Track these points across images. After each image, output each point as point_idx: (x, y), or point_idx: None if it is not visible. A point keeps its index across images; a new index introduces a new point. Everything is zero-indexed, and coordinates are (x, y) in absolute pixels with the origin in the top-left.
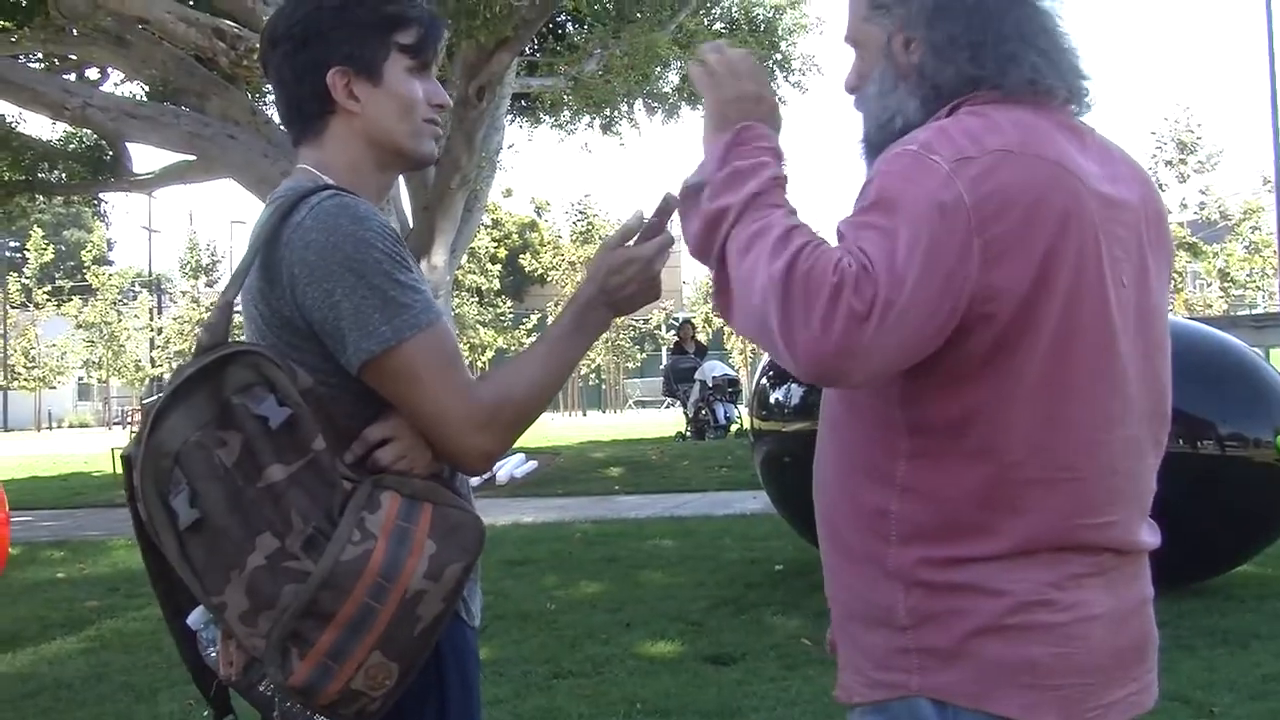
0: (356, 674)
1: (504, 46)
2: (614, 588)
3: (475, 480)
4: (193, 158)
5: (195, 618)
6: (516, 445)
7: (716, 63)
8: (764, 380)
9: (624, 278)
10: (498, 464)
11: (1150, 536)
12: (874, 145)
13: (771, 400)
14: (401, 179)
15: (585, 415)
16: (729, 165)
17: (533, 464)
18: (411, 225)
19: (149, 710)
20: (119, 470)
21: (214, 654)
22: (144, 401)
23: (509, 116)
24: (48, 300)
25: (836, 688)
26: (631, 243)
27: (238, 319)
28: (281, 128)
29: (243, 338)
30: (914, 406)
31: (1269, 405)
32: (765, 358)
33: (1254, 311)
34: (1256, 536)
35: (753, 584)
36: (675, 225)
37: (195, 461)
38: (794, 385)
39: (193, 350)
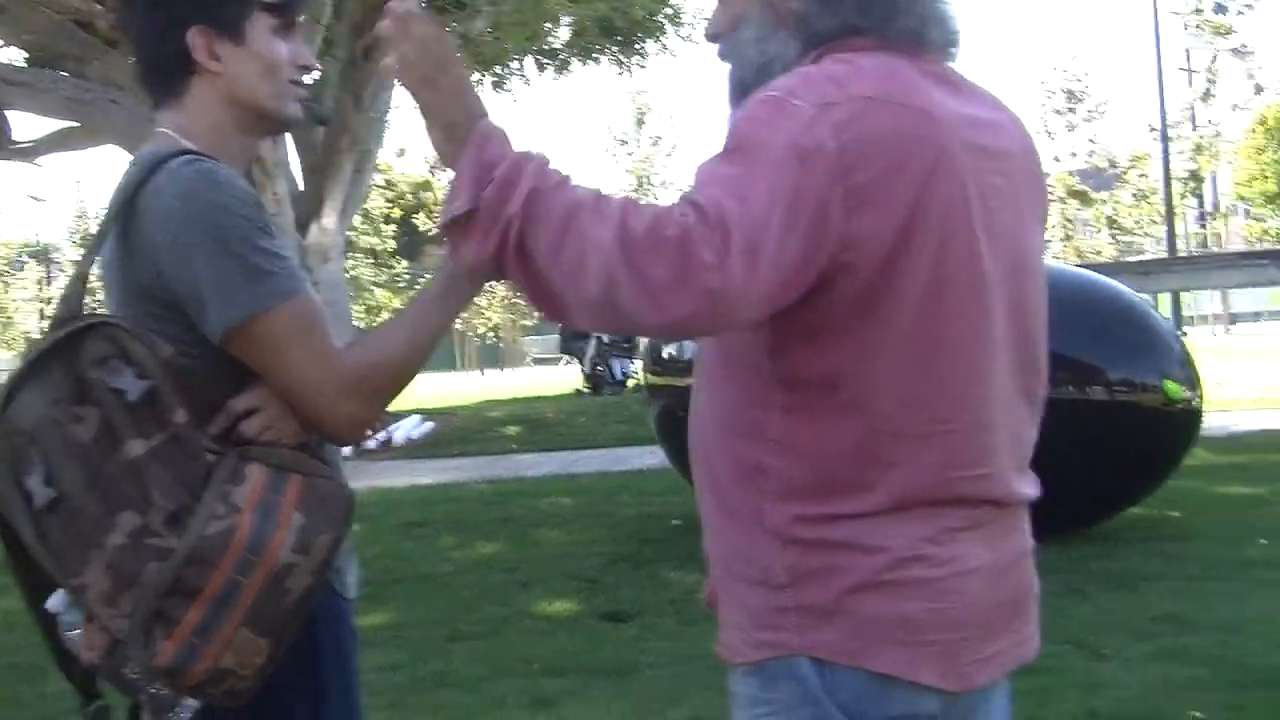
0: (225, 652)
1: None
2: (511, 547)
3: (371, 443)
4: (76, 124)
5: (55, 601)
6: (413, 406)
7: (412, 51)
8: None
9: None
10: (393, 425)
11: (1029, 488)
12: (748, 89)
13: (665, 355)
14: (290, 140)
15: (484, 374)
16: (491, 177)
17: (429, 425)
18: (301, 187)
19: (34, 690)
20: None
21: (76, 638)
22: None
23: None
24: None
25: (719, 645)
26: None
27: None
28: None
29: (103, 309)
30: (784, 360)
31: (1156, 351)
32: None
33: (1141, 258)
34: (1145, 480)
35: (649, 539)
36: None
37: (50, 439)
38: (687, 341)
39: (49, 324)
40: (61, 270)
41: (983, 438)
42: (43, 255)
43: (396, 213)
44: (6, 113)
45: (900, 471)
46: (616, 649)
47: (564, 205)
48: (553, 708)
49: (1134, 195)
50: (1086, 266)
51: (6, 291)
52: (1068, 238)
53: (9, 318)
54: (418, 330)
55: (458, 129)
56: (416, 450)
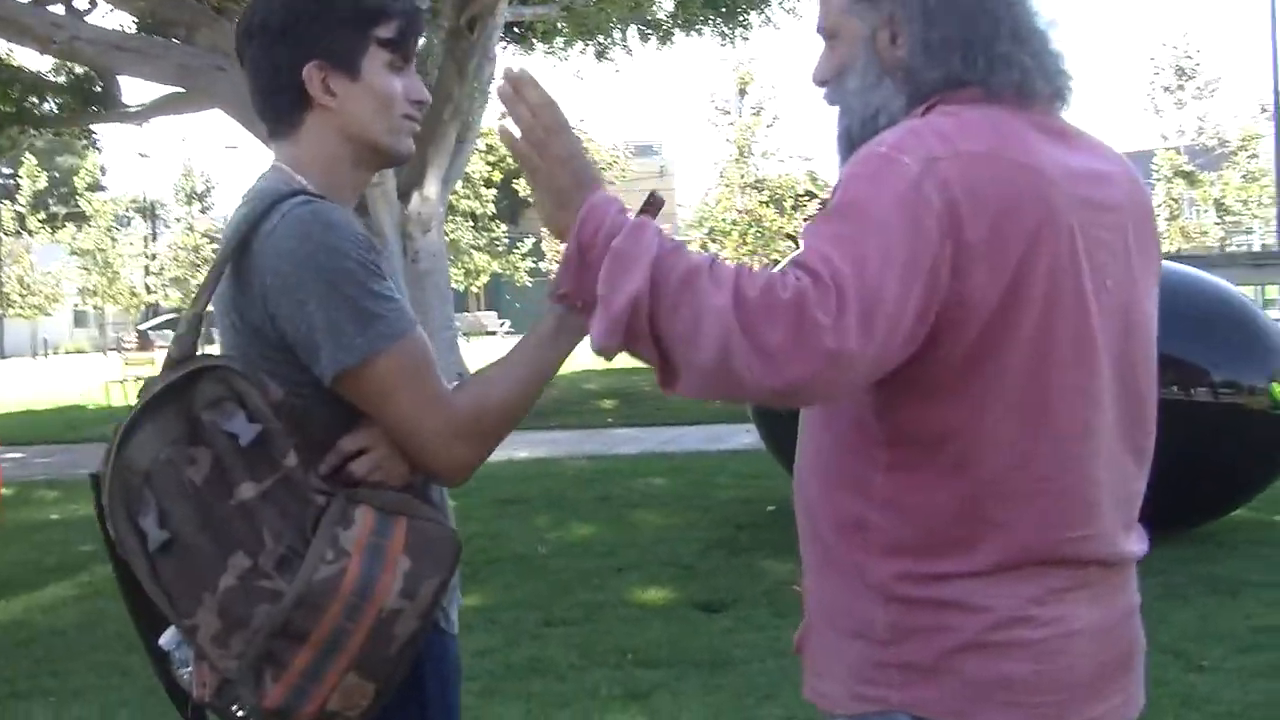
0: (332, 695)
1: None
2: (607, 529)
3: None
4: (183, 90)
5: (168, 639)
6: None
7: (526, 116)
8: None
9: None
10: None
11: (1137, 545)
12: (856, 142)
13: None
14: None
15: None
16: (609, 251)
17: None
18: None
19: (142, 660)
20: (113, 402)
21: (187, 675)
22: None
23: (502, 44)
24: (42, 227)
25: (812, 692)
26: None
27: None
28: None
29: (217, 345)
30: (889, 418)
31: (1264, 352)
32: None
33: (1252, 249)
34: (1250, 483)
35: (745, 525)
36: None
37: (165, 480)
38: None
39: (163, 363)
40: (166, 226)
41: (1089, 496)
42: (149, 212)
43: (497, 176)
44: (117, 77)
45: (1006, 531)
46: (710, 640)
47: (680, 274)
48: (645, 700)
49: (1243, 177)
50: (1197, 257)
51: (114, 247)
52: (1173, 218)
53: (115, 273)
54: (528, 372)
55: (568, 196)
56: None
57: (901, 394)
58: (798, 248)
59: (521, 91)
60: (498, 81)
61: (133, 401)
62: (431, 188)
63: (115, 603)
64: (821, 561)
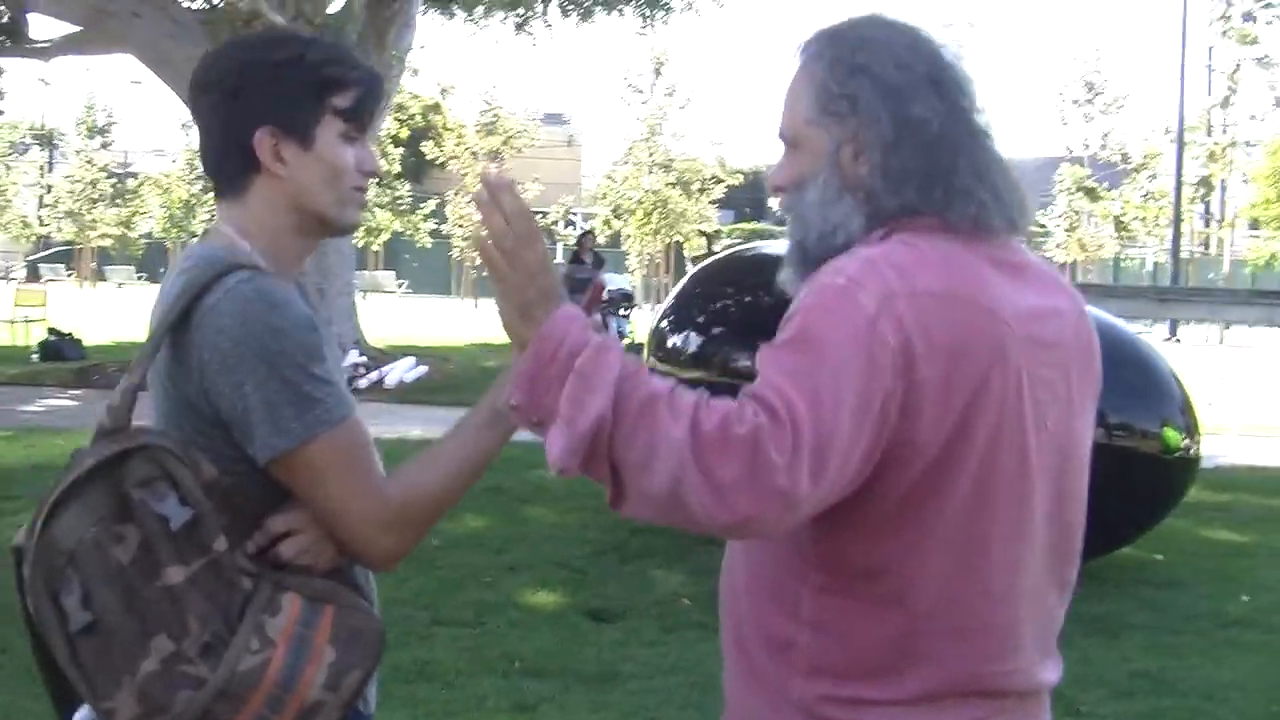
0: None
1: None
2: (498, 524)
3: (362, 383)
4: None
5: (83, 716)
6: (406, 344)
7: (499, 224)
8: (663, 323)
9: None
10: (387, 367)
11: (1053, 673)
12: (811, 257)
13: (669, 344)
14: None
15: (477, 306)
16: (572, 371)
17: (422, 369)
18: None
19: (21, 636)
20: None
21: None
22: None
23: (422, 8)
24: None
25: None
26: None
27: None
28: (186, 6)
29: (149, 409)
30: (825, 545)
31: (1158, 396)
32: (662, 283)
33: (1145, 265)
34: (1135, 526)
35: (638, 530)
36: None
37: (90, 561)
38: (692, 332)
39: (93, 433)
40: (64, 157)
41: (1014, 631)
42: (46, 140)
43: (404, 133)
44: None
45: (932, 664)
46: (599, 653)
47: (639, 400)
48: (531, 713)
49: (1143, 196)
50: (1100, 287)
51: (8, 174)
52: (1071, 229)
53: (8, 201)
54: (460, 463)
55: (532, 309)
56: (407, 395)
57: (839, 526)
58: (705, 237)
59: (498, 197)
60: (416, 49)
61: (20, 342)
62: None
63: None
64: (746, 672)
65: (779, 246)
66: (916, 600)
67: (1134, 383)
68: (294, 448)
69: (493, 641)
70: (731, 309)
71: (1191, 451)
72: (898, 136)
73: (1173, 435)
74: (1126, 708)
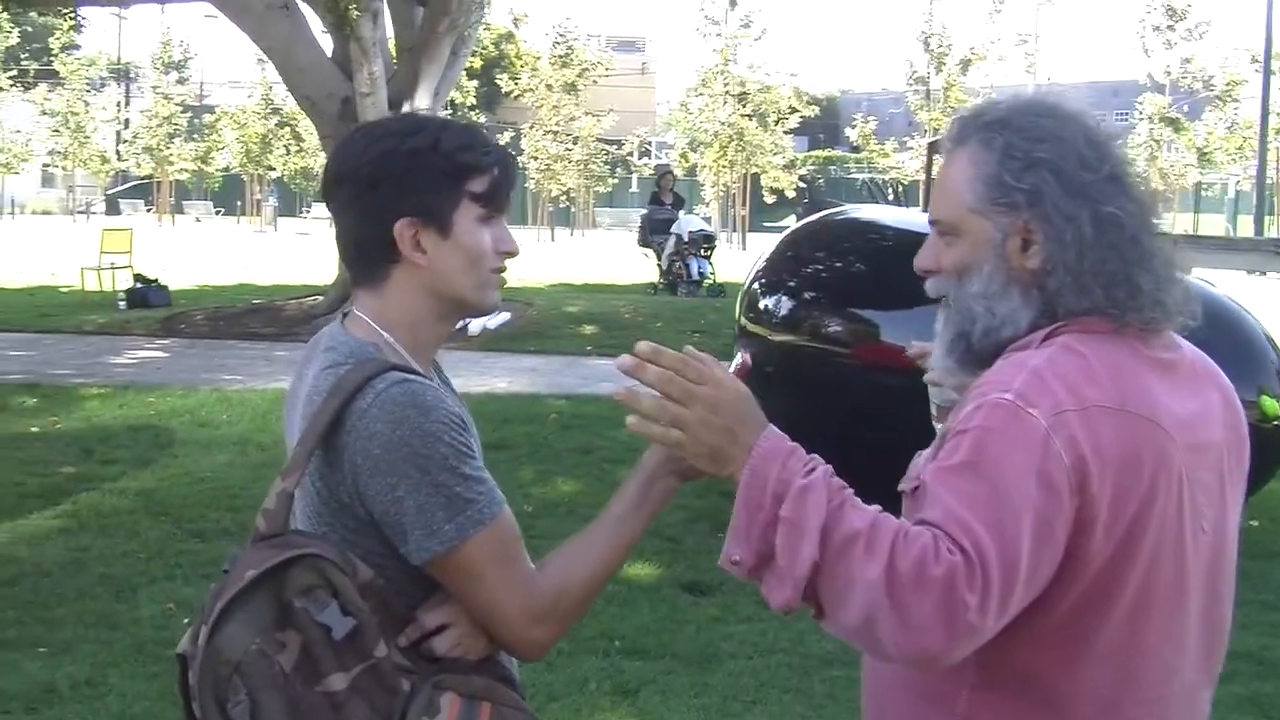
0: None
1: None
2: (590, 488)
3: None
4: None
5: None
6: None
7: (654, 408)
8: (755, 285)
9: None
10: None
11: None
12: (975, 351)
13: (761, 305)
14: (389, 19)
15: (554, 239)
16: (780, 522)
17: (505, 315)
18: (396, 66)
19: (130, 612)
20: (87, 287)
21: None
22: (210, 591)
23: None
24: (12, 85)
25: None
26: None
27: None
28: None
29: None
30: (987, 650)
31: (1254, 363)
32: (739, 215)
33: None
34: None
35: (728, 492)
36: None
37: (255, 671)
38: (784, 296)
39: (251, 537)
40: (140, 92)
41: None
42: (123, 75)
43: (477, 64)
44: None
45: None
46: (697, 630)
47: (839, 540)
48: (634, 697)
49: (1228, 127)
50: (1220, 240)
51: (86, 111)
52: (1152, 159)
53: (87, 137)
54: (609, 550)
55: (724, 455)
56: (490, 343)
57: (1003, 635)
58: (804, 185)
59: (636, 374)
60: None
61: (107, 289)
62: (423, 99)
63: (99, 539)
64: None
65: (871, 212)
66: (1073, 707)
67: (1229, 351)
68: (448, 551)
69: (590, 619)
70: (823, 274)
71: None
72: (1095, 236)
73: (1270, 404)
74: (1226, 691)
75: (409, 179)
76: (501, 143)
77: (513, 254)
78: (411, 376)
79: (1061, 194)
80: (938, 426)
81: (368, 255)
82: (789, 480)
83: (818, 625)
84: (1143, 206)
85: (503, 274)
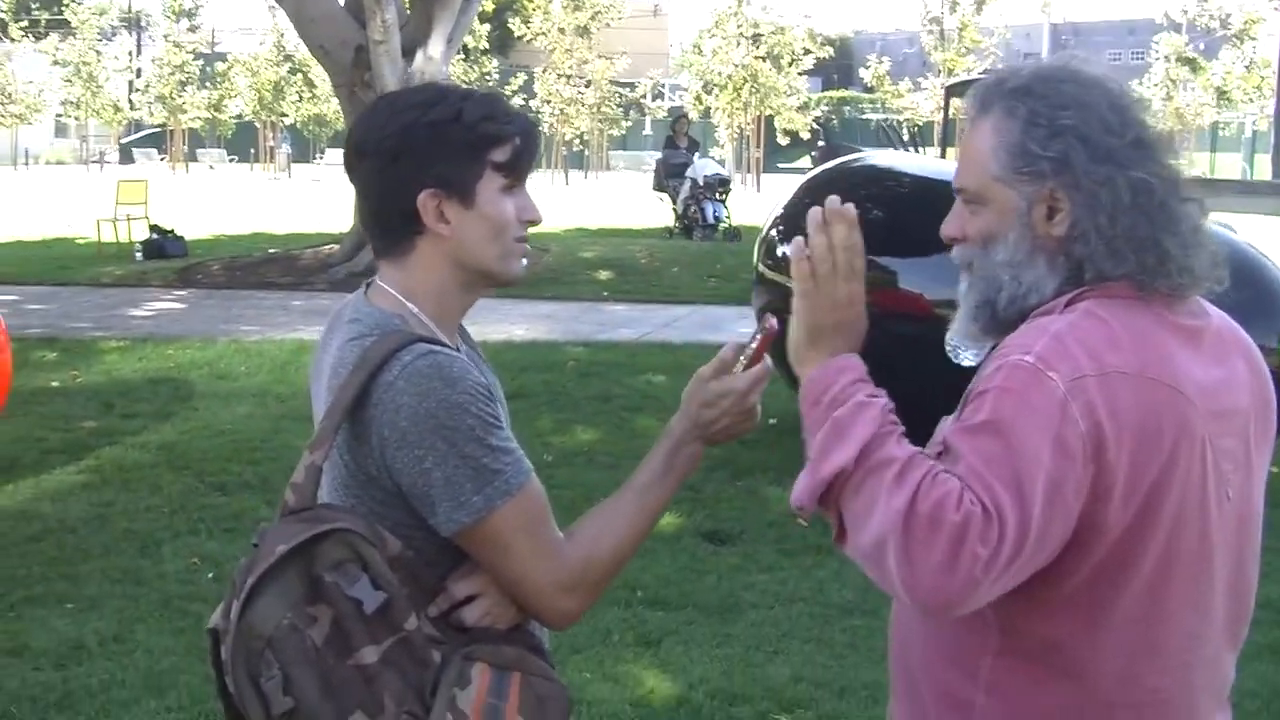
0: None
1: None
2: (609, 436)
3: None
4: None
5: None
6: None
7: (823, 246)
8: (773, 232)
9: (718, 411)
10: None
11: None
12: (1000, 318)
13: (779, 253)
14: None
15: (568, 182)
16: (829, 420)
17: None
18: (409, 14)
19: (155, 567)
20: (103, 239)
21: None
22: (239, 565)
23: None
24: (23, 35)
25: None
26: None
27: None
28: None
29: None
30: (1007, 614)
31: (1276, 311)
32: (754, 156)
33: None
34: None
35: (746, 441)
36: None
37: (287, 646)
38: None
39: (279, 510)
40: (152, 40)
41: (1191, 701)
42: (134, 24)
43: (489, 7)
44: None
45: None
46: (718, 580)
47: (873, 462)
48: (656, 648)
49: (1246, 67)
50: (1243, 183)
51: (98, 61)
52: (1169, 98)
53: (99, 86)
54: (636, 518)
55: (822, 338)
56: (508, 289)
57: (1022, 601)
58: (819, 128)
59: (834, 223)
60: None
61: (124, 240)
62: (436, 47)
63: (123, 493)
64: (918, 717)
65: (887, 158)
66: (1094, 675)
67: (1249, 298)
68: (476, 522)
69: None
70: None
71: None
72: (1124, 202)
73: None
74: (1245, 640)
75: (432, 151)
76: (514, 86)
77: (536, 222)
78: (437, 348)
79: (1089, 160)
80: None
81: (391, 227)
82: (851, 393)
83: (837, 548)
84: (1170, 171)
85: (525, 243)
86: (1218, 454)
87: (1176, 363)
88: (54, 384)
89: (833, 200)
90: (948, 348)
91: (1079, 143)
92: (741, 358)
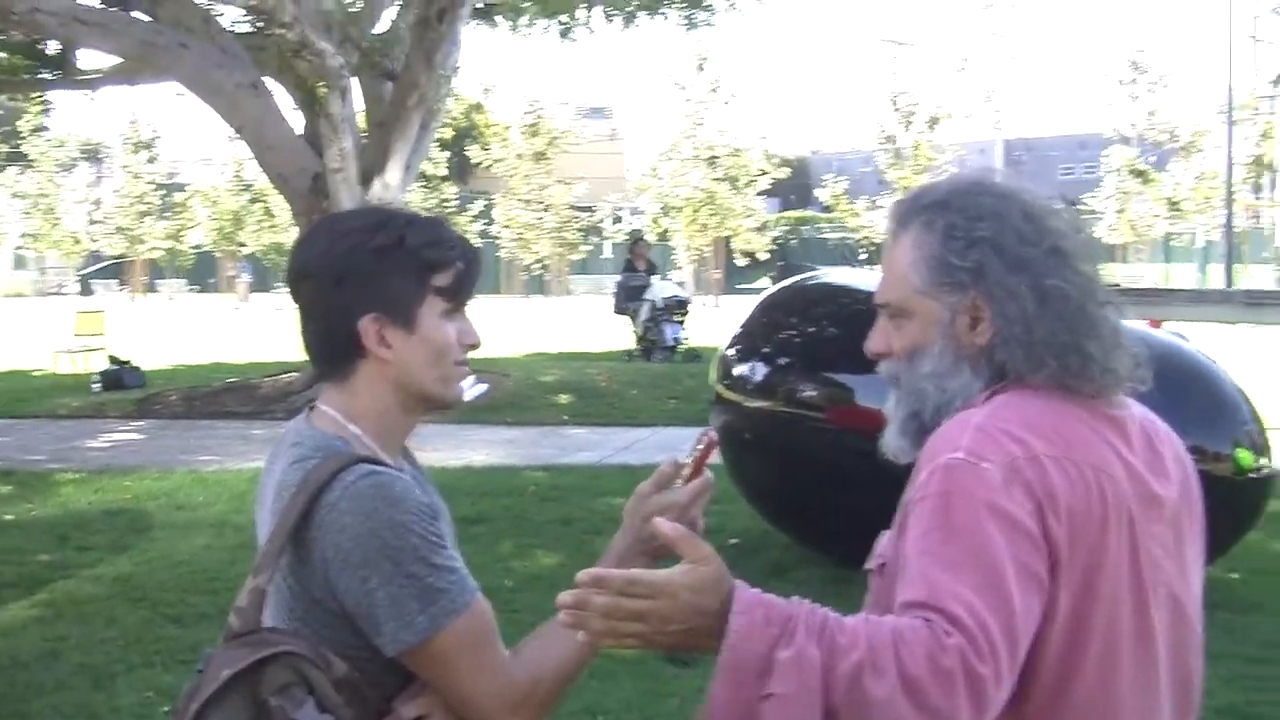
0: None
1: None
2: (571, 559)
3: None
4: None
5: None
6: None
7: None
8: (730, 351)
9: None
10: None
11: None
12: (927, 429)
13: (735, 373)
14: (359, 92)
15: (528, 297)
16: (777, 700)
17: (483, 386)
18: (366, 141)
19: (108, 701)
20: (60, 371)
21: None
22: (184, 691)
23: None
24: None
25: None
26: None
27: None
28: (233, 35)
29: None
30: None
31: (1226, 416)
32: (712, 277)
33: (1196, 244)
34: (1212, 548)
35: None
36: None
37: None
38: (759, 363)
39: (224, 635)
40: (111, 172)
41: None
42: (94, 156)
43: (447, 134)
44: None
45: None
46: (681, 703)
47: (845, 681)
48: None
49: (1196, 177)
50: (1193, 292)
51: (57, 193)
52: (1121, 210)
53: (58, 218)
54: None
55: (692, 641)
56: (468, 414)
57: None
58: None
59: (599, 588)
60: (462, 65)
61: (81, 371)
62: (394, 174)
63: (77, 626)
64: None
65: (842, 276)
66: None
67: (1202, 405)
68: (422, 642)
69: (573, 694)
70: (797, 339)
71: (1264, 471)
72: (1040, 309)
73: (1245, 455)
74: None
75: (375, 275)
76: (474, 212)
77: (476, 346)
78: (380, 468)
79: (1004, 269)
80: None
81: (333, 350)
82: (773, 656)
83: None
84: (1086, 277)
85: (465, 367)
86: (1148, 538)
87: (1099, 446)
88: (8, 517)
89: (561, 599)
90: (885, 453)
91: (994, 252)
92: (683, 471)
